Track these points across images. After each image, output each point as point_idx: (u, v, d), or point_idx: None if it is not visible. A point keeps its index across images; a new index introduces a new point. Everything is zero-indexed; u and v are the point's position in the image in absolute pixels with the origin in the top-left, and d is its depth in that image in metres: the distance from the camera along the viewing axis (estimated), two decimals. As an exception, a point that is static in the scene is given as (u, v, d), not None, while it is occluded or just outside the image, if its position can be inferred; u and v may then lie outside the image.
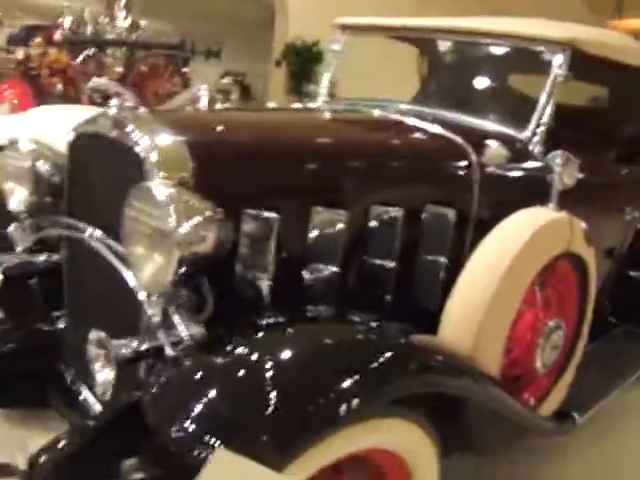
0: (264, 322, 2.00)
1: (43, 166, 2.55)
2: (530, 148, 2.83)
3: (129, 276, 2.03)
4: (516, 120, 2.93)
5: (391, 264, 2.37)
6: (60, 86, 8.87)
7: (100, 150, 2.25)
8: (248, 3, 13.76)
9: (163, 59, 9.95)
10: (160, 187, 1.84)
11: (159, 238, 1.83)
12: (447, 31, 3.20)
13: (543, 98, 2.84)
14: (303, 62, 11.30)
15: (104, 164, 2.25)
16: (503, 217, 2.52)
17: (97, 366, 1.93)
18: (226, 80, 12.95)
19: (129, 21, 9.79)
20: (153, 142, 2.00)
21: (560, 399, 2.72)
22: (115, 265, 2.08)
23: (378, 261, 2.36)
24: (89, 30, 9.46)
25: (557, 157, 2.49)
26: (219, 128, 2.34)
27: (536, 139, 2.84)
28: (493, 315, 2.18)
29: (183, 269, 1.81)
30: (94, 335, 1.90)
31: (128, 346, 1.87)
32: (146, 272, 1.88)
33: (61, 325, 2.60)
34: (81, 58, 9.04)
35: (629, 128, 3.56)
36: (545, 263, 2.36)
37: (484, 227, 2.56)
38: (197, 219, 1.82)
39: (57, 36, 9.03)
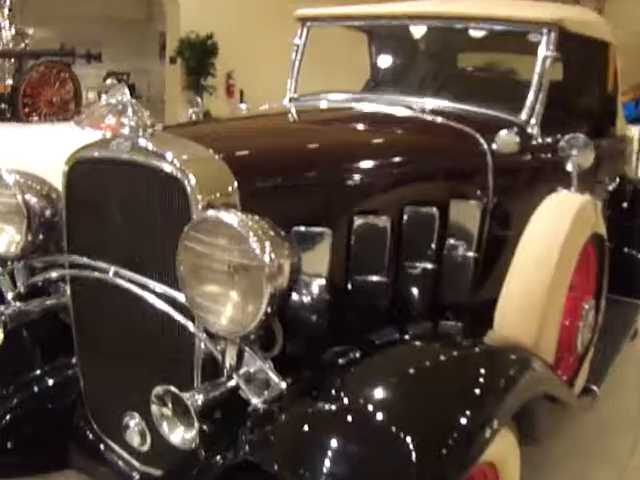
0: (336, 353, 1.88)
1: (32, 200, 2.26)
2: (529, 131, 2.81)
3: (178, 317, 1.85)
4: (505, 104, 2.91)
5: (431, 265, 2.30)
6: (-50, 105, 8.33)
7: (117, 177, 2.00)
8: (123, 2, 13.45)
9: (52, 67, 9.52)
10: (230, 215, 1.65)
11: (241, 273, 1.64)
12: (429, 17, 3.12)
13: (535, 80, 2.82)
14: (199, 56, 11.04)
15: (124, 192, 2.00)
16: (517, 204, 2.53)
17: (165, 427, 1.73)
18: (110, 81, 12.61)
19: (13, 31, 9.26)
20: (187, 162, 1.80)
21: (586, 376, 2.74)
22: (160, 307, 1.88)
23: (419, 264, 2.29)
24: (-26, 43, 8.89)
25: (573, 140, 2.47)
26: (247, 140, 2.19)
27: (533, 121, 2.83)
28: (551, 304, 2.17)
29: (271, 307, 1.63)
30: (158, 390, 1.71)
31: (199, 396, 1.69)
32: (226, 313, 1.69)
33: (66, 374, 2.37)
34: (-32, 73, 8.48)
35: (596, 102, 3.62)
36: (582, 247, 2.36)
37: (499, 215, 2.56)
38: (272, 246, 1.62)
39: (-58, 52, 8.44)
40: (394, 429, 1.48)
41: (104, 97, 6.15)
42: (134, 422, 2.09)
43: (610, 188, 3.72)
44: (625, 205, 3.89)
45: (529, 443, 2.12)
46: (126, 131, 1.94)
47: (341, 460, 1.46)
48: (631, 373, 3.90)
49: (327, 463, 1.44)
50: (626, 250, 3.79)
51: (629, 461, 3.03)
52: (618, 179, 3.87)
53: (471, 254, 2.40)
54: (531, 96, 2.83)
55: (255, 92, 11.24)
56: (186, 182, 1.76)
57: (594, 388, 2.76)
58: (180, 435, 1.72)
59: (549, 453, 2.92)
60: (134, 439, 2.09)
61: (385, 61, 3.84)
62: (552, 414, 2.26)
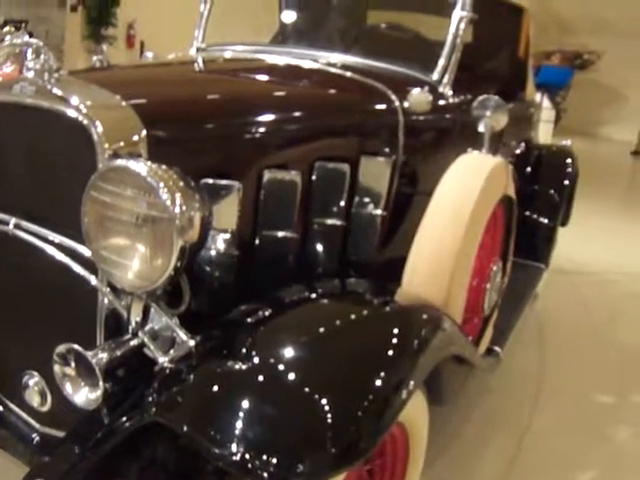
0: (244, 312, 1.80)
1: None
2: (441, 91, 2.79)
3: (81, 271, 1.76)
4: (415, 63, 2.88)
5: (340, 222, 2.24)
6: None
7: (19, 123, 1.87)
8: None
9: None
10: (139, 164, 1.54)
11: (149, 225, 1.54)
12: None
13: (449, 40, 2.80)
14: (101, 5, 10.65)
15: (26, 140, 1.87)
16: (427, 163, 2.55)
17: (68, 387, 1.65)
18: (7, 29, 12.02)
19: None
20: (94, 108, 1.68)
21: (489, 337, 2.78)
22: (62, 261, 1.78)
23: (328, 220, 2.22)
24: None
25: (487, 102, 2.46)
26: (155, 88, 2.07)
27: (445, 81, 2.80)
28: (460, 266, 2.15)
29: (181, 261, 1.54)
30: (61, 349, 1.62)
31: (104, 354, 1.61)
32: (133, 268, 1.59)
33: None
34: None
35: (508, 66, 3.64)
36: (492, 208, 2.36)
37: (409, 174, 2.54)
38: (183, 198, 1.51)
39: None
40: (307, 390, 1.43)
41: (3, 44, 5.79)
42: (33, 381, 1.98)
43: (516, 152, 3.77)
44: (529, 170, 3.96)
45: (434, 404, 2.13)
46: (31, 74, 1.79)
47: (254, 421, 1.40)
48: (531, 335, 4.01)
49: (239, 424, 1.38)
50: (528, 214, 3.86)
51: (528, 423, 3.10)
52: (524, 144, 3.93)
53: (379, 212, 2.35)
54: (444, 56, 2.81)
55: (156, 44, 10.93)
56: (93, 129, 1.65)
57: (497, 349, 2.79)
58: (84, 395, 1.64)
59: (450, 414, 2.96)
60: (33, 399, 1.99)
61: (294, 15, 3.75)
62: (457, 375, 2.27)
